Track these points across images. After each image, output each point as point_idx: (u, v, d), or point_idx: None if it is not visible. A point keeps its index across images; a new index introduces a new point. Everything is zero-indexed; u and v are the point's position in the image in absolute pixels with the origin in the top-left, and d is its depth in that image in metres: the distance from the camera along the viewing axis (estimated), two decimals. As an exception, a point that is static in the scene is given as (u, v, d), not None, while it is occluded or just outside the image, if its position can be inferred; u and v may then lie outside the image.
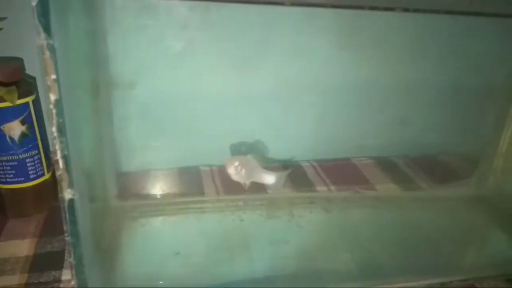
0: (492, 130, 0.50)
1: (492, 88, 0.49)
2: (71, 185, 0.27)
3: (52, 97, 0.25)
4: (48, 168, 0.47)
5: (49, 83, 0.24)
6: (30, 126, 0.44)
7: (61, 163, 0.26)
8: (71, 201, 0.27)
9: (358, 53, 0.50)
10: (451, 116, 0.52)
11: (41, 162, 0.46)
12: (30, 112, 0.44)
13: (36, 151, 0.45)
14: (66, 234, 0.28)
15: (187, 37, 0.45)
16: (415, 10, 0.27)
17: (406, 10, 0.27)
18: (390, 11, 0.27)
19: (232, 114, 0.53)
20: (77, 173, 0.28)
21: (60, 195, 0.27)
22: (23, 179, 0.45)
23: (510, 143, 0.49)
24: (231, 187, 0.51)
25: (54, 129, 0.25)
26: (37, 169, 0.45)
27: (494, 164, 0.50)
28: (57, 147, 0.26)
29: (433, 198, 0.51)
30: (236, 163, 0.41)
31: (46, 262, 0.39)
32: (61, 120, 0.25)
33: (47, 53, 0.24)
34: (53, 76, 0.24)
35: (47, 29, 0.23)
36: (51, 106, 0.25)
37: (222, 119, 0.53)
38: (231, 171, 0.41)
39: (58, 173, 0.26)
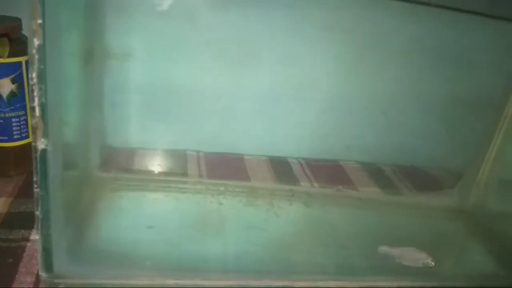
0: (479, 144, 0.50)
1: (483, 102, 0.49)
2: (45, 135, 0.27)
3: (36, 42, 0.25)
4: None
5: (34, 27, 0.24)
6: (20, 86, 0.44)
7: (37, 111, 0.26)
8: (44, 151, 0.27)
9: (354, 58, 0.50)
10: (440, 126, 0.52)
11: (26, 124, 0.45)
12: (22, 72, 0.43)
13: (23, 112, 0.45)
14: (35, 186, 0.28)
15: (186, 18, 0.46)
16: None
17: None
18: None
19: (224, 103, 0.53)
20: (54, 124, 0.28)
21: (33, 144, 0.27)
22: (6, 138, 0.44)
23: (495, 158, 0.49)
24: (214, 172, 0.51)
25: (34, 74, 0.25)
26: (22, 130, 0.45)
27: (478, 178, 0.50)
28: (35, 93, 0.25)
29: (415, 206, 0.51)
30: None
31: (17, 221, 0.39)
32: (42, 67, 0.25)
33: (35, -4, 0.24)
34: (39, 21, 0.24)
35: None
36: (34, 51, 0.25)
37: (213, 108, 0.53)
38: None
39: (33, 121, 0.26)
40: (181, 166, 0.51)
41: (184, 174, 0.50)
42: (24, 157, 0.46)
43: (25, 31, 0.45)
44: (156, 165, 0.51)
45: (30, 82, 0.25)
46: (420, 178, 0.55)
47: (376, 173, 0.55)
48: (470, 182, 0.50)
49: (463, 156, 0.52)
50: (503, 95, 0.48)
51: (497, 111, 0.48)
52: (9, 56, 0.42)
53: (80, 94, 0.39)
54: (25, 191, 0.44)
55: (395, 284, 0.38)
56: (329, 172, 0.56)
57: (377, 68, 0.51)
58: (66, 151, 0.35)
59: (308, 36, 0.48)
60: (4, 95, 0.43)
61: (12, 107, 0.44)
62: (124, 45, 0.45)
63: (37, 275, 0.33)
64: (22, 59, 0.43)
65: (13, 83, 0.43)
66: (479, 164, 0.49)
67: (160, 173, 0.50)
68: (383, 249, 0.41)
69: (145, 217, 0.42)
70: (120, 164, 0.49)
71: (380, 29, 0.48)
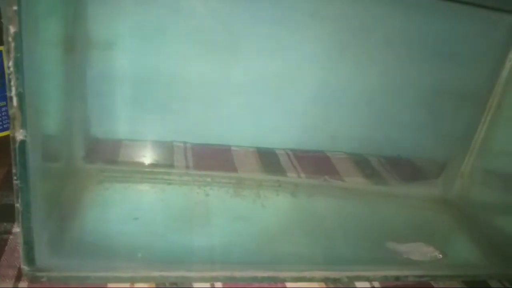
0: (464, 135, 0.50)
1: (468, 94, 0.50)
2: (24, 126, 0.26)
3: (12, 29, 0.24)
4: (15, 122, 0.45)
5: (9, 14, 0.23)
6: (1, 76, 0.43)
7: (15, 101, 0.25)
8: (23, 142, 0.26)
9: (340, 48, 0.50)
10: (426, 117, 0.52)
11: (8, 115, 0.44)
12: (2, 62, 0.42)
13: (4, 103, 0.44)
14: (14, 178, 0.27)
15: (171, 5, 0.45)
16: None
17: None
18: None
19: (210, 94, 0.52)
20: (33, 115, 0.27)
21: (11, 134, 0.26)
22: (-13, 129, 0.44)
23: (480, 149, 0.49)
24: (201, 163, 0.51)
25: (10, 63, 0.24)
26: (3, 122, 0.44)
27: (462, 168, 0.50)
28: (12, 83, 0.25)
29: (400, 196, 0.51)
30: None
31: (-1, 213, 0.38)
32: (18, 55, 0.24)
33: (10, -19, 0.23)
34: (14, 7, 0.23)
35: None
36: (10, 39, 0.24)
37: (200, 98, 0.52)
38: None
39: (11, 111, 0.26)
40: (168, 157, 0.51)
41: (171, 165, 0.49)
42: (6, 148, 0.45)
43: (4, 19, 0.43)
44: (142, 156, 0.50)
45: (7, 72, 0.25)
46: (405, 169, 0.55)
47: (362, 164, 0.56)
48: (454, 172, 0.51)
49: (448, 146, 0.52)
50: (487, 86, 0.48)
51: (482, 103, 0.48)
52: (-12, 45, 0.41)
53: (61, 83, 0.38)
54: (7, 184, 0.43)
55: (380, 273, 0.38)
56: (315, 163, 0.56)
57: (363, 59, 0.50)
58: (48, 142, 0.34)
59: (294, 25, 0.48)
60: (-16, 86, 0.42)
61: (-8, 98, 0.43)
62: (107, 33, 0.44)
63: (19, 268, 0.32)
64: (2, 48, 0.42)
65: (-8, 73, 0.42)
66: (464, 155, 0.50)
67: (146, 165, 0.49)
68: (390, 244, 0.42)
69: (131, 208, 0.41)
70: (105, 155, 0.48)
71: (367, 19, 0.48)
